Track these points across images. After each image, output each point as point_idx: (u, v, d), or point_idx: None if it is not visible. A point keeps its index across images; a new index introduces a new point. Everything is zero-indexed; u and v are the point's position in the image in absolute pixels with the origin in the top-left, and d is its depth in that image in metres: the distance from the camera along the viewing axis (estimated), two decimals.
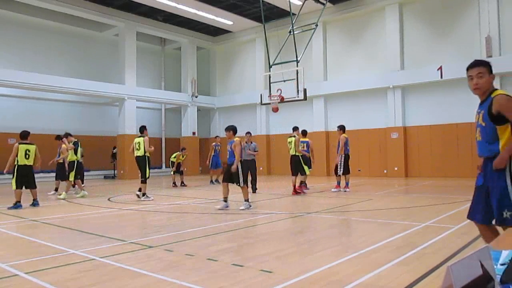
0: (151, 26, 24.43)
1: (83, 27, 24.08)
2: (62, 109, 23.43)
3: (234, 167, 9.12)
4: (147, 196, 11.67)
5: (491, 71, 3.58)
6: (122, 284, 3.94)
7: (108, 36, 25.34)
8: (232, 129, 9.56)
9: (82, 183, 13.54)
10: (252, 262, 4.63)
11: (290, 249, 5.30)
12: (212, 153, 17.35)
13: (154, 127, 26.98)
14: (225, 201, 9.30)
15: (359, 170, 20.86)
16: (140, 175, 11.98)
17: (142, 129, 11.98)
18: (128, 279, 4.11)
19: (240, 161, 9.24)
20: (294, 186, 12.45)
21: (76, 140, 13.34)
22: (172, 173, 16.91)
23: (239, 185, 9.25)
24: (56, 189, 13.87)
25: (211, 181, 17.67)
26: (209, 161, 17.34)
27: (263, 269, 4.33)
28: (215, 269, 4.38)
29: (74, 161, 12.98)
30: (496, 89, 3.54)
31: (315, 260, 4.69)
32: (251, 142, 13.74)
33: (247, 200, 9.32)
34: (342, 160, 12.91)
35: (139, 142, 11.83)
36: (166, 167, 25.69)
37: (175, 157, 16.82)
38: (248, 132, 14.45)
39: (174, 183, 16.72)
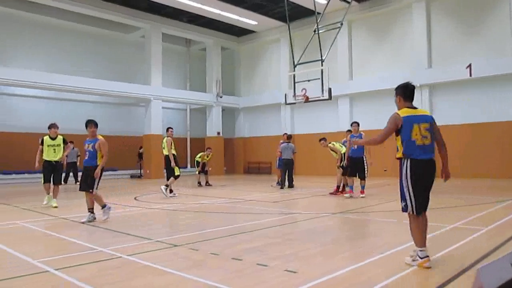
0: (176, 27, 24.71)
1: (110, 29, 24.53)
2: (90, 110, 23.88)
3: (98, 171, 7.67)
4: (172, 192, 12.27)
5: (396, 94, 4.75)
6: (147, 282, 4.00)
7: (134, 38, 25.76)
8: (96, 125, 7.93)
9: None
10: (276, 262, 4.62)
11: (315, 250, 5.26)
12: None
13: (179, 127, 27.28)
14: (91, 212, 7.80)
15: (385, 170, 20.57)
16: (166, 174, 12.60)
17: (167, 130, 12.77)
18: (154, 277, 4.16)
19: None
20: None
21: None
22: (197, 172, 17.04)
23: (90, 191, 7.76)
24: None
25: (278, 182, 16.57)
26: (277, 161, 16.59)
27: (288, 269, 4.32)
28: (239, 268, 4.39)
29: None
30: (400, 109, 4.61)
31: (340, 261, 4.65)
32: (289, 143, 15.01)
33: (91, 210, 7.78)
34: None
35: (162, 142, 12.58)
36: (191, 167, 25.91)
37: (200, 157, 16.94)
38: (285, 133, 15.55)
39: (199, 182, 16.85)
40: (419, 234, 4.41)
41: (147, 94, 23.40)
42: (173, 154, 12.27)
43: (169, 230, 6.88)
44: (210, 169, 18.34)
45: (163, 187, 12.26)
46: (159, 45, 24.18)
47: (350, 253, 5.03)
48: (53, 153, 10.08)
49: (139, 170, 24.46)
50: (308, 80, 16.53)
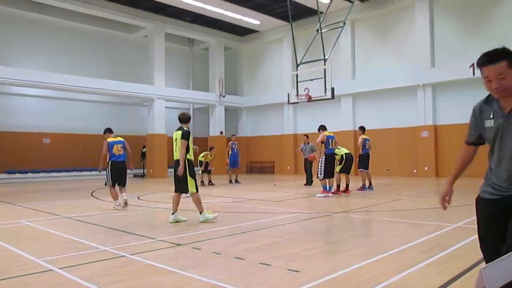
0: (179, 27, 24.74)
1: (113, 29, 24.60)
2: (93, 109, 24.00)
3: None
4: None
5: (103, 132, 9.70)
6: (151, 281, 4.01)
7: (137, 38, 25.81)
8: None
9: None
10: (279, 261, 4.63)
11: (318, 249, 5.27)
12: (230, 152, 17.74)
13: None
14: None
15: (388, 170, 20.55)
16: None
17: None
18: (158, 276, 4.17)
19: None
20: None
21: None
22: (200, 172, 17.05)
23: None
24: None
25: (230, 181, 17.75)
26: (228, 161, 17.88)
27: (291, 268, 4.32)
28: (242, 268, 4.40)
29: None
30: None
31: (343, 260, 4.66)
32: (308, 143, 15.87)
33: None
34: (323, 161, 11.79)
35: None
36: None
37: (203, 156, 16.96)
38: (306, 135, 16.56)
39: (202, 182, 16.84)
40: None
41: (150, 94, 23.46)
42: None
43: (171, 229, 6.89)
44: (213, 168, 18.38)
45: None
46: (162, 45, 24.21)
47: (353, 253, 5.02)
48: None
49: (142, 170, 24.49)
50: (311, 80, 16.55)
